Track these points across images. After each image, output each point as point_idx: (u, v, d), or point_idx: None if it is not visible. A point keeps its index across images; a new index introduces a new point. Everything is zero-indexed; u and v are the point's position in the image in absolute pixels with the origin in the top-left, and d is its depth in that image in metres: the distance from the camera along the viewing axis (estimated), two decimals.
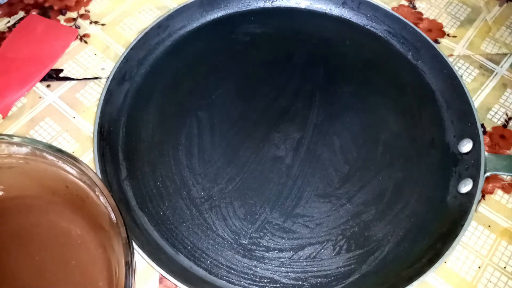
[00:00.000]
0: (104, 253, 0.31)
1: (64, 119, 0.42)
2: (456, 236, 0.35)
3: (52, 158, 0.28)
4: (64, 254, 0.31)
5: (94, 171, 0.28)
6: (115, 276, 0.30)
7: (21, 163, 0.30)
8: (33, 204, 0.32)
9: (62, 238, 0.32)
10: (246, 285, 0.35)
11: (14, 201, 0.32)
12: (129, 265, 0.26)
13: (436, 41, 0.48)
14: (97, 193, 0.28)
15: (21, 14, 0.48)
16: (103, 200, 0.28)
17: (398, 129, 0.42)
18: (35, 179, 0.31)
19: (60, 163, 0.28)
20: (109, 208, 0.27)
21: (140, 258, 0.33)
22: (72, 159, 0.28)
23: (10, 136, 0.28)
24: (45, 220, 0.32)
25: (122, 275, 0.26)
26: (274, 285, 0.35)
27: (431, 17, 0.50)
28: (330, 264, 0.36)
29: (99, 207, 0.29)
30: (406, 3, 0.51)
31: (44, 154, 0.28)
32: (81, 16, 0.48)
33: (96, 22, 0.48)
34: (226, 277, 0.35)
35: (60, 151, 0.28)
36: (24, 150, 0.29)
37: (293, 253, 0.36)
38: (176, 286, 0.33)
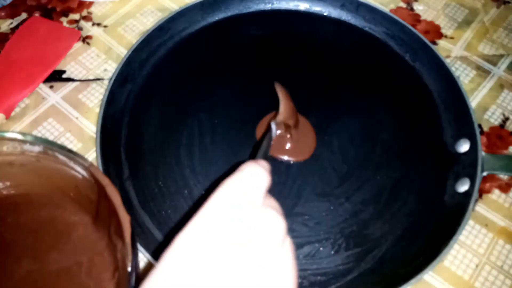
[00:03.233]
0: (110, 254, 0.31)
1: (67, 119, 0.42)
2: (454, 235, 0.35)
3: (64, 158, 0.29)
4: (71, 253, 0.31)
5: (104, 173, 0.28)
6: (119, 276, 0.30)
7: (33, 161, 0.30)
8: (43, 202, 0.33)
9: (70, 237, 0.32)
10: None
11: (25, 197, 0.32)
12: (133, 269, 0.26)
13: (434, 43, 0.49)
14: (105, 196, 0.28)
15: (24, 15, 0.48)
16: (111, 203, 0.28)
17: (396, 129, 0.42)
18: (46, 178, 0.31)
19: (71, 164, 0.29)
20: (118, 211, 0.27)
21: (142, 257, 0.33)
22: (82, 160, 0.28)
23: (24, 134, 0.28)
24: (54, 218, 0.32)
25: (125, 276, 0.26)
26: None
27: (429, 19, 0.50)
28: (329, 262, 0.36)
29: (107, 209, 0.29)
30: (404, 5, 0.51)
31: (56, 154, 0.29)
32: (84, 18, 0.48)
33: (98, 24, 0.48)
34: None
35: (71, 152, 0.28)
36: (36, 148, 0.29)
37: None
38: None
